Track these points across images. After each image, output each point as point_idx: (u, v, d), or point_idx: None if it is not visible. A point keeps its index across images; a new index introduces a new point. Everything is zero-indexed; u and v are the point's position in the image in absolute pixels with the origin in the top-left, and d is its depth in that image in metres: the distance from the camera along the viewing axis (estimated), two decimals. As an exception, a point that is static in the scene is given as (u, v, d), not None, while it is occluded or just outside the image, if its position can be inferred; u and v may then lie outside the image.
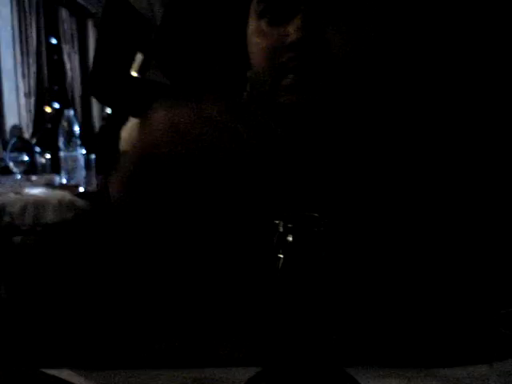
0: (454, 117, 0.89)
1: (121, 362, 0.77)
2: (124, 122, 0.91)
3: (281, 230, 0.43)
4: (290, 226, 0.43)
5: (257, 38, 0.82)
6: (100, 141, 2.73)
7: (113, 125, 2.65)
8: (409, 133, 0.86)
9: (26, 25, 5.38)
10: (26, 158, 2.88)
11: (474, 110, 0.92)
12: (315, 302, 0.45)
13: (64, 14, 6.54)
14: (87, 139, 2.87)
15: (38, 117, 3.60)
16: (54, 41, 5.86)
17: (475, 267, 0.83)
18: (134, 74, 2.19)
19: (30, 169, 2.90)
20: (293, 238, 0.42)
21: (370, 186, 0.83)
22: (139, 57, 2.20)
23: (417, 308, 0.81)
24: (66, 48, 6.30)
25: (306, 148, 0.82)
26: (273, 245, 0.43)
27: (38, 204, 2.41)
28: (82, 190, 2.52)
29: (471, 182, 0.86)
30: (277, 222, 0.43)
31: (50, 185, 2.62)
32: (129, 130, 1.15)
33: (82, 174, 2.63)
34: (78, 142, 2.71)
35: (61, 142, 2.71)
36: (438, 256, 0.83)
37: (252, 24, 0.83)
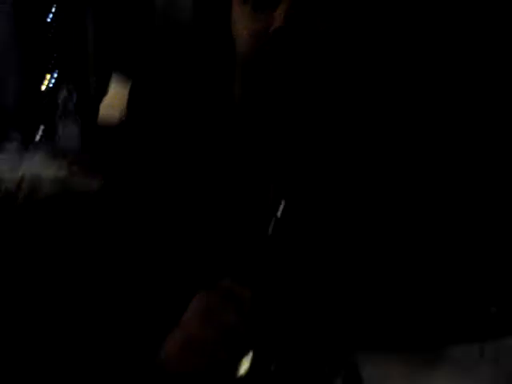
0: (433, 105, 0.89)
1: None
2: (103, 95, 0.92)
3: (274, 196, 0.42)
4: (283, 191, 0.42)
5: (241, 23, 0.81)
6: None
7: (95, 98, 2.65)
8: (392, 121, 0.87)
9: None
10: (21, 132, 2.86)
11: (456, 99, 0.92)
12: (307, 270, 0.44)
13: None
14: (84, 112, 2.85)
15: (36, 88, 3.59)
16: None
17: (470, 253, 0.83)
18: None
19: (27, 141, 2.88)
20: (285, 202, 0.41)
21: (358, 166, 0.83)
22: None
23: (415, 291, 0.81)
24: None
25: (295, 131, 0.82)
26: (266, 210, 0.42)
27: (34, 177, 2.40)
28: (78, 163, 2.51)
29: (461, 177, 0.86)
30: (270, 187, 0.42)
31: (46, 158, 2.60)
32: (106, 105, 1.16)
33: (78, 144, 2.61)
34: (75, 114, 2.69)
35: (58, 115, 2.69)
36: (435, 242, 0.83)
37: (236, 9, 0.82)
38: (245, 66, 0.83)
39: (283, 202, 0.42)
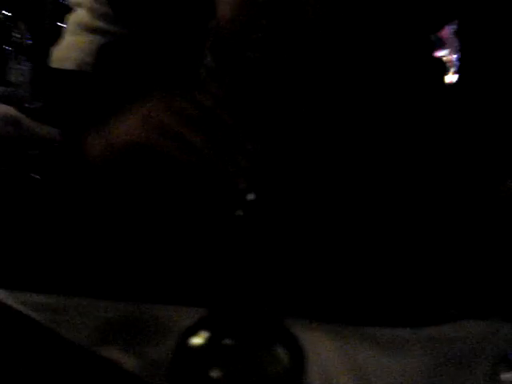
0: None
1: (61, 287, 0.77)
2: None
3: (242, 187, 0.44)
4: (251, 184, 0.44)
5: None
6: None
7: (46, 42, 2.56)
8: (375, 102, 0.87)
9: None
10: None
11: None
12: (266, 256, 0.46)
13: None
14: (37, 53, 2.76)
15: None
16: None
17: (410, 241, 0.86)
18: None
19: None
20: (255, 196, 0.43)
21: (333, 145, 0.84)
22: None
23: (352, 269, 0.84)
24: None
25: (269, 104, 0.81)
26: (231, 202, 0.44)
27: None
28: (27, 105, 2.45)
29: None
30: (238, 179, 0.44)
31: (-6, 97, 2.53)
32: (60, 49, 1.13)
33: (28, 89, 2.55)
34: (27, 55, 2.62)
35: (9, 53, 2.61)
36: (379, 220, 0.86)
37: None
38: (225, 32, 0.80)
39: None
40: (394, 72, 0.88)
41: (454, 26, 0.94)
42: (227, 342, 0.47)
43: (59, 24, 2.76)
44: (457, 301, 0.82)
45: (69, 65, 1.16)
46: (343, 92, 0.85)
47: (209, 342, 0.47)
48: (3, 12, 2.88)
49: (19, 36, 2.58)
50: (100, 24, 1.09)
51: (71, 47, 1.18)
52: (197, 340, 0.48)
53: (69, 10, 1.44)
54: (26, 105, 2.44)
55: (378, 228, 0.85)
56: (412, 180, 0.87)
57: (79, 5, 1.17)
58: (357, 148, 0.84)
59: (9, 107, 2.50)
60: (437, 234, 0.86)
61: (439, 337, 0.78)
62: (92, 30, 1.13)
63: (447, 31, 1.02)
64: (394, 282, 0.85)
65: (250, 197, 0.45)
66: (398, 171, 0.86)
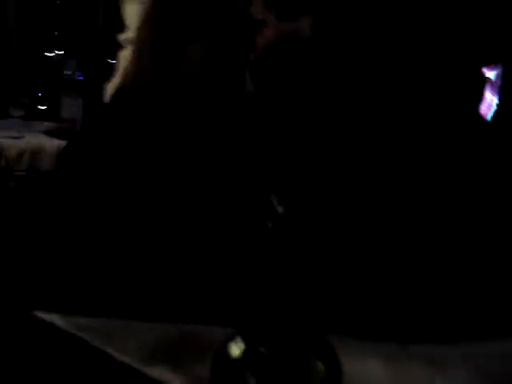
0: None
1: (97, 308, 0.80)
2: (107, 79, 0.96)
3: (274, 201, 0.45)
4: (282, 198, 0.45)
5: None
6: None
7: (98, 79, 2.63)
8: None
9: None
10: (26, 102, 2.87)
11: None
12: (300, 271, 0.47)
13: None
14: (90, 89, 2.86)
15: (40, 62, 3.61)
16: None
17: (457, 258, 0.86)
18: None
19: (30, 114, 2.88)
20: (284, 209, 0.44)
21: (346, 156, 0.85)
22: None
23: (396, 286, 0.84)
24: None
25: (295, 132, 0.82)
26: (261, 215, 0.45)
27: (35, 151, 2.41)
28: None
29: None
30: (270, 194, 0.45)
31: (48, 132, 2.62)
32: (114, 86, 1.16)
33: (80, 124, 2.63)
34: (79, 91, 2.71)
35: (63, 90, 2.70)
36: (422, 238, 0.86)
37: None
38: (260, 64, 0.84)
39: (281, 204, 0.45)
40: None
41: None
42: (263, 352, 0.48)
43: (110, 61, 2.85)
44: (501, 317, 0.81)
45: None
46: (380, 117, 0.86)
47: (244, 353, 0.48)
48: (55, 51, 3.00)
49: (70, 73, 2.67)
50: None
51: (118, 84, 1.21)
52: (233, 351, 0.49)
53: (120, 47, 1.49)
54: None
55: (419, 247, 0.85)
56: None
57: (131, 43, 1.20)
58: (390, 168, 0.85)
59: (63, 142, 2.59)
60: (476, 255, 0.86)
61: (484, 354, 0.76)
62: None
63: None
64: (437, 298, 0.84)
65: (280, 209, 0.46)
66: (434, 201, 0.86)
